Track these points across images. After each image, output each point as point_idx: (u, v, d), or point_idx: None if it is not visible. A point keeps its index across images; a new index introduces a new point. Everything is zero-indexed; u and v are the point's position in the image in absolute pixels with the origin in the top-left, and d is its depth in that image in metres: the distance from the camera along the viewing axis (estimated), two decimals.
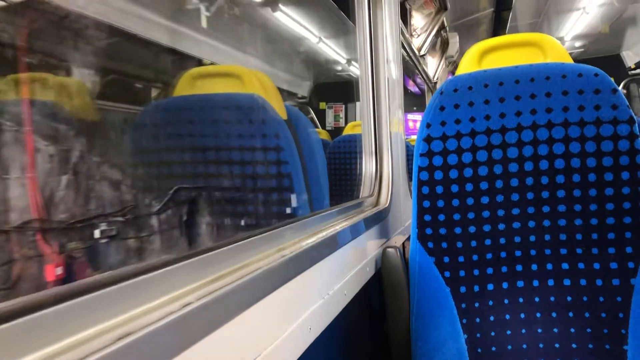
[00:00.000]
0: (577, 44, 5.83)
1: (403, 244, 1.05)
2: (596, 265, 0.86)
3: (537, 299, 0.88)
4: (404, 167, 1.45)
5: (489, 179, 0.87)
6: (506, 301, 0.89)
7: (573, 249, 0.87)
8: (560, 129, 0.85)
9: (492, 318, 0.89)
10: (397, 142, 1.36)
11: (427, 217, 0.88)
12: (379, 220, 1.12)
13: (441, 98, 0.88)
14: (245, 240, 0.55)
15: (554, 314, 0.87)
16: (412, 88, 4.65)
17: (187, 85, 1.16)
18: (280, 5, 2.60)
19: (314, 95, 4.85)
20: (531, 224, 0.88)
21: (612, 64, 5.80)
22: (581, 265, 0.87)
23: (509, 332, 0.88)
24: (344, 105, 4.99)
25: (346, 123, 4.75)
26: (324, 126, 4.93)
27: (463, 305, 0.89)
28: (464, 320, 0.88)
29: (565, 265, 0.87)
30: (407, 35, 2.34)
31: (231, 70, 1.18)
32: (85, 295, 0.31)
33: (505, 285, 0.89)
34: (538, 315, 0.88)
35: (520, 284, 0.89)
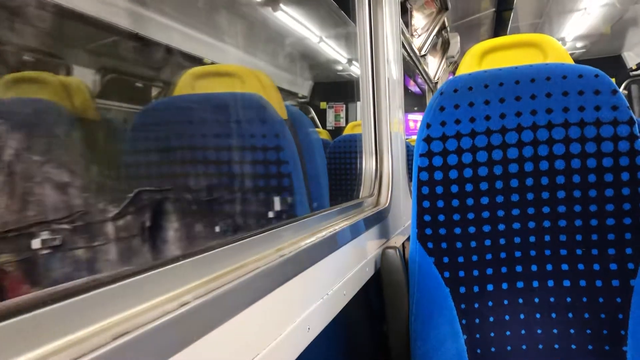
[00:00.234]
0: (579, 44, 5.83)
1: (403, 244, 1.05)
2: (596, 266, 0.86)
3: (536, 300, 0.88)
4: (404, 167, 1.45)
5: (489, 179, 0.87)
6: (506, 302, 0.89)
7: (573, 250, 0.87)
8: (560, 130, 0.85)
9: (491, 319, 0.88)
10: (397, 142, 1.36)
11: (427, 218, 0.88)
12: (379, 220, 1.12)
13: (441, 98, 0.88)
14: (244, 240, 0.55)
15: (553, 315, 0.87)
16: (413, 88, 4.65)
17: (187, 85, 1.16)
18: (281, 5, 2.60)
19: (314, 95, 4.85)
20: (531, 224, 0.87)
21: (614, 64, 5.80)
22: (581, 266, 0.87)
23: (508, 332, 0.88)
24: (344, 105, 4.99)
25: (347, 123, 4.76)
26: (324, 126, 4.94)
27: (462, 306, 0.89)
28: (464, 321, 0.88)
29: (565, 266, 0.87)
30: (408, 35, 2.34)
31: (231, 70, 1.18)
32: (81, 294, 0.31)
33: (504, 285, 0.89)
34: (538, 316, 0.88)
35: (520, 284, 0.89)
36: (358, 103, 1.36)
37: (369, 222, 1.01)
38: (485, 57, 1.12)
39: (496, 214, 0.88)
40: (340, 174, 2.47)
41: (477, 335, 0.88)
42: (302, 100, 4.78)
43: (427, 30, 2.67)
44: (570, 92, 0.84)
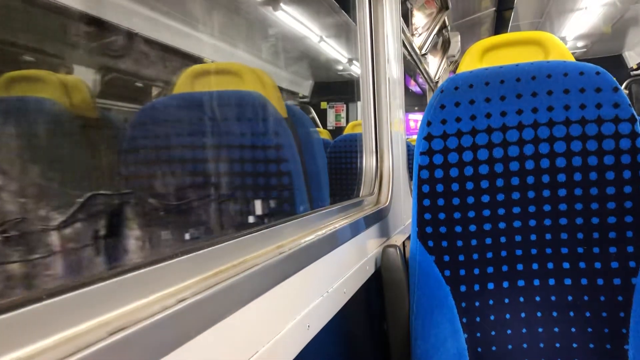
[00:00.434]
0: (580, 44, 5.82)
1: (403, 242, 1.05)
2: (597, 265, 0.85)
3: (537, 298, 0.88)
4: (405, 166, 1.45)
5: (490, 177, 0.87)
6: (507, 300, 0.89)
7: (574, 248, 0.86)
8: (561, 127, 0.84)
9: (492, 317, 0.88)
10: (397, 141, 1.36)
11: (428, 216, 0.88)
12: (379, 218, 1.12)
13: (442, 96, 0.88)
14: (243, 237, 0.54)
15: (554, 314, 0.87)
16: (414, 88, 4.64)
17: (186, 84, 1.16)
18: (282, 4, 2.59)
19: (315, 95, 4.85)
20: (532, 222, 0.87)
21: (614, 64, 5.80)
22: (582, 265, 0.86)
23: (509, 331, 0.87)
24: (345, 105, 4.99)
25: (347, 122, 4.76)
26: (325, 126, 4.94)
27: (463, 304, 0.88)
28: (464, 320, 0.88)
29: (566, 265, 0.87)
30: (409, 34, 2.34)
31: (231, 68, 1.17)
32: (78, 289, 0.31)
33: (505, 284, 0.89)
34: (539, 314, 0.88)
35: (521, 283, 0.88)
36: (358, 103, 1.35)
37: (369, 221, 1.01)
38: (486, 54, 1.12)
39: (497, 212, 0.87)
40: (341, 173, 2.47)
41: (478, 334, 0.88)
42: (303, 100, 4.78)
43: (428, 29, 2.67)
44: (571, 90, 0.84)
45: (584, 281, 0.86)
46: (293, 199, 1.06)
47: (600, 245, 0.85)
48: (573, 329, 0.86)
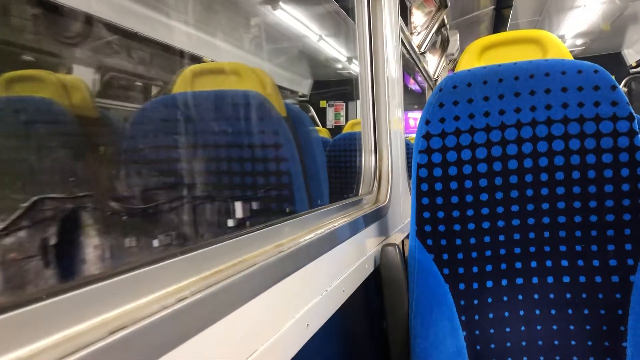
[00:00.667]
0: (579, 42, 5.82)
1: (402, 241, 1.05)
2: (595, 262, 0.86)
3: (536, 296, 0.88)
4: (404, 164, 1.45)
5: (488, 175, 0.87)
6: (505, 298, 0.89)
7: (572, 246, 0.87)
8: (559, 126, 0.84)
9: (491, 315, 0.88)
10: (396, 140, 1.36)
11: (426, 214, 0.88)
12: (378, 217, 1.12)
13: (440, 95, 0.88)
14: (242, 236, 0.55)
15: (553, 311, 0.87)
16: (413, 86, 4.64)
17: (186, 83, 1.16)
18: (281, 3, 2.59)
19: (314, 94, 4.85)
20: (530, 220, 0.87)
21: (613, 62, 5.80)
22: (580, 262, 0.86)
23: (508, 329, 0.88)
24: (344, 104, 4.99)
25: (347, 121, 4.76)
26: (324, 124, 4.94)
27: (462, 302, 0.89)
28: (463, 317, 0.88)
29: (564, 262, 0.87)
30: (407, 33, 2.34)
31: (230, 68, 1.17)
32: (78, 289, 0.31)
33: (504, 282, 0.89)
34: (537, 312, 0.88)
35: (519, 281, 0.89)
36: (358, 101, 1.35)
37: (368, 219, 1.01)
38: (484, 53, 1.12)
39: (495, 210, 0.88)
40: (340, 172, 2.47)
41: (477, 332, 0.88)
42: (302, 98, 4.78)
43: (427, 27, 2.67)
44: (569, 88, 0.84)
45: (582, 279, 0.86)
46: (292, 198, 1.06)
47: (598, 243, 0.85)
48: (571, 327, 0.86)
